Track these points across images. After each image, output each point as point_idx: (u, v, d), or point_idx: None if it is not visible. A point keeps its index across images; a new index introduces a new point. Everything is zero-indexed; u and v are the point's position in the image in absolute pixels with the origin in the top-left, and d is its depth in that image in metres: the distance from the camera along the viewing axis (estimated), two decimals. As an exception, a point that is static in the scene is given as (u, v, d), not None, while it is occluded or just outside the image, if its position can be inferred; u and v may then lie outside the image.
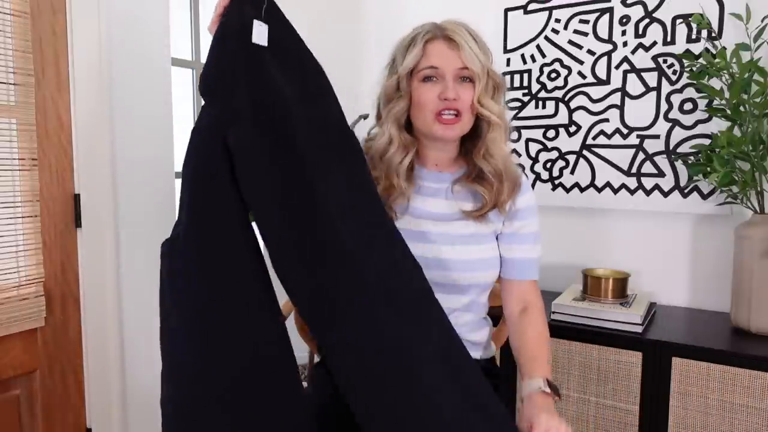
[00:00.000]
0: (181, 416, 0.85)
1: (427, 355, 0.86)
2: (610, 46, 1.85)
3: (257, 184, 0.84)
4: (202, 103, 0.89)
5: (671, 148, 1.77)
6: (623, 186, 1.86)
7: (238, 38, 0.87)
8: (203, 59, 2.01)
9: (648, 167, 1.81)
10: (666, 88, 1.77)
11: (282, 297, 0.91)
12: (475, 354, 1.17)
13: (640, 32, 1.80)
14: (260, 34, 0.88)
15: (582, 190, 1.93)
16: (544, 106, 1.98)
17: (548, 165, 1.98)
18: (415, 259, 0.97)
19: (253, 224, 0.87)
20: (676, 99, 1.76)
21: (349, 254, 0.85)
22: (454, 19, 1.11)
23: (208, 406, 0.83)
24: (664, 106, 1.78)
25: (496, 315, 1.38)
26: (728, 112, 1.56)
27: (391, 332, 0.85)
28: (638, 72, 1.81)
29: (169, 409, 0.85)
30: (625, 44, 1.83)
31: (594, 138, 1.90)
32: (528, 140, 2.01)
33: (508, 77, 2.03)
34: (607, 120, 1.87)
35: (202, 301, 0.84)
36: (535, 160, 2.00)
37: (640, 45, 1.80)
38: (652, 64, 1.79)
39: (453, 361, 0.90)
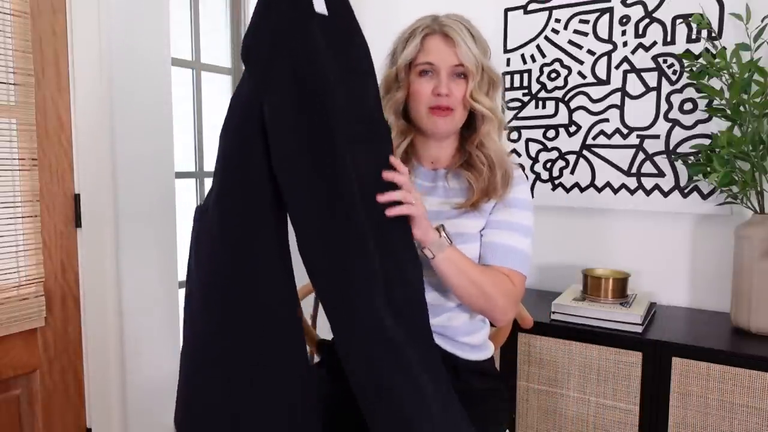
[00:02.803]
0: (192, 374, 0.87)
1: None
2: (610, 46, 1.85)
3: (287, 159, 0.81)
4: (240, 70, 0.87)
5: (671, 148, 1.77)
6: (623, 186, 1.86)
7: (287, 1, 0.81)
8: (203, 59, 2.01)
9: (648, 167, 1.81)
10: (666, 88, 1.77)
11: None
12: (473, 355, 1.16)
13: (640, 32, 1.80)
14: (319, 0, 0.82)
15: (582, 190, 1.93)
16: (544, 106, 1.98)
17: (548, 165, 1.98)
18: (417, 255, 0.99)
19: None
20: (676, 99, 1.76)
21: (363, 239, 0.83)
22: (453, 14, 1.12)
23: (217, 365, 0.85)
24: (664, 106, 1.78)
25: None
26: (728, 112, 1.56)
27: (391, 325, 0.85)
28: (638, 72, 1.81)
29: (182, 360, 0.89)
30: (625, 44, 1.83)
31: (594, 138, 1.90)
32: (528, 140, 2.01)
33: (508, 77, 2.03)
34: (607, 120, 1.87)
35: (221, 269, 0.84)
36: (535, 160, 2.00)
37: (640, 45, 1.80)
38: (652, 64, 1.79)
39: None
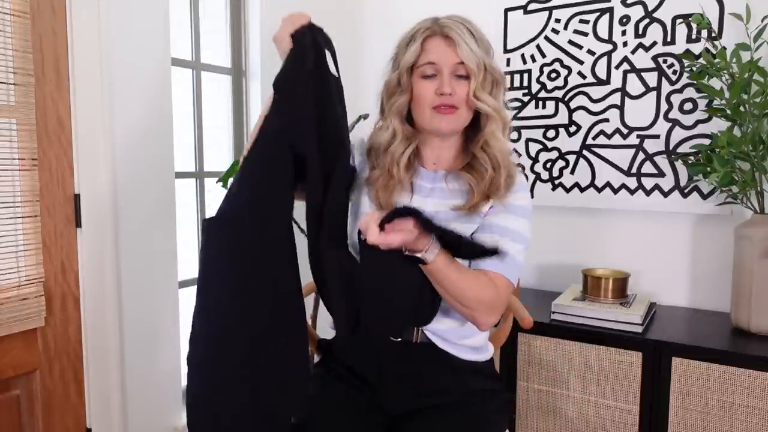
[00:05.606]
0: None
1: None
2: (610, 46, 1.85)
3: (311, 184, 1.08)
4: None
5: (671, 148, 1.77)
6: (623, 186, 1.86)
7: (314, 59, 1.07)
8: (203, 59, 2.02)
9: (648, 167, 1.82)
10: (666, 88, 1.77)
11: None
12: (472, 356, 1.16)
13: (640, 32, 1.80)
14: (331, 63, 1.11)
15: (582, 190, 1.93)
16: (544, 106, 1.98)
17: (548, 165, 1.98)
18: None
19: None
20: (676, 99, 1.76)
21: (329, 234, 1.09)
22: (454, 15, 1.11)
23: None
24: (664, 106, 1.78)
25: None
26: (728, 112, 1.56)
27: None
28: (638, 72, 1.81)
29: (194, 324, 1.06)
30: (625, 44, 1.83)
31: (594, 138, 1.90)
32: (528, 140, 2.01)
33: (508, 77, 2.03)
34: (607, 120, 1.87)
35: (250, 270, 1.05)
36: (535, 160, 2.00)
37: (640, 45, 1.80)
38: (652, 64, 1.79)
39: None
